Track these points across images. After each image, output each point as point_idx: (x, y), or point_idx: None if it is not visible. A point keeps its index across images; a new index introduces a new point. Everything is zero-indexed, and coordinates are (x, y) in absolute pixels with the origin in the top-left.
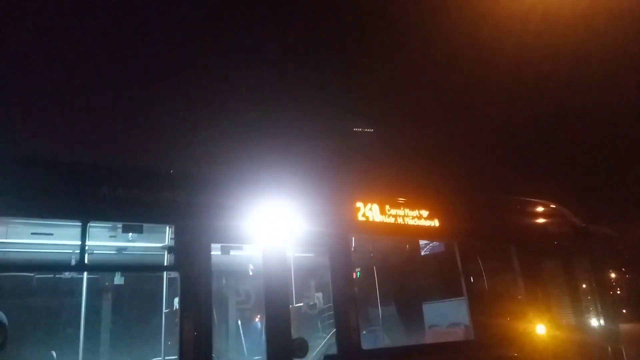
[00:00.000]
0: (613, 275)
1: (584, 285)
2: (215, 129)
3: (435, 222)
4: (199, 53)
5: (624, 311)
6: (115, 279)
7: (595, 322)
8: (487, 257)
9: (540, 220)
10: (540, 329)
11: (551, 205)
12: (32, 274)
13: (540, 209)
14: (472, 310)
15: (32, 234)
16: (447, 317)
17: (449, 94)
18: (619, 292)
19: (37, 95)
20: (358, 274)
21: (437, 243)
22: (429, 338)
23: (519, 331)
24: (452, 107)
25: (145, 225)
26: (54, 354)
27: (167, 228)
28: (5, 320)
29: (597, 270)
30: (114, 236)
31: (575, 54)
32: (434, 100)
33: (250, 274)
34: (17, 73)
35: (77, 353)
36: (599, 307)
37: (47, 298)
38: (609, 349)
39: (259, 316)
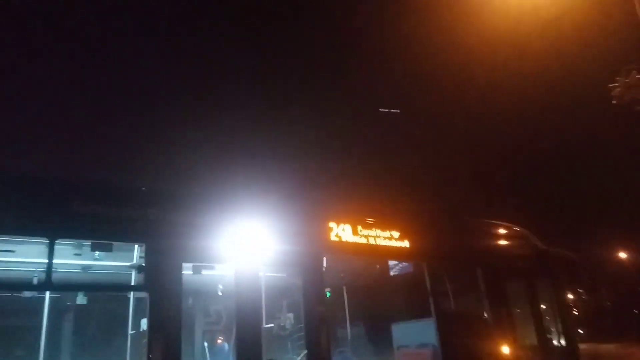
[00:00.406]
0: (572, 296)
1: (546, 306)
2: (190, 148)
3: (405, 243)
4: (176, 73)
5: (581, 331)
6: (78, 298)
7: (555, 341)
8: (455, 278)
9: (505, 243)
10: (504, 349)
11: (515, 229)
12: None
13: (505, 231)
14: (440, 331)
15: None
16: (415, 338)
17: (421, 118)
18: (576, 313)
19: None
20: (328, 294)
21: (406, 264)
22: (397, 359)
23: (485, 351)
24: (425, 132)
25: (114, 243)
26: None
27: (136, 247)
28: None
29: (557, 291)
30: (79, 254)
31: (543, 80)
32: (405, 124)
33: (220, 294)
34: None
35: None
36: (560, 327)
37: (7, 318)
38: None
39: (225, 337)
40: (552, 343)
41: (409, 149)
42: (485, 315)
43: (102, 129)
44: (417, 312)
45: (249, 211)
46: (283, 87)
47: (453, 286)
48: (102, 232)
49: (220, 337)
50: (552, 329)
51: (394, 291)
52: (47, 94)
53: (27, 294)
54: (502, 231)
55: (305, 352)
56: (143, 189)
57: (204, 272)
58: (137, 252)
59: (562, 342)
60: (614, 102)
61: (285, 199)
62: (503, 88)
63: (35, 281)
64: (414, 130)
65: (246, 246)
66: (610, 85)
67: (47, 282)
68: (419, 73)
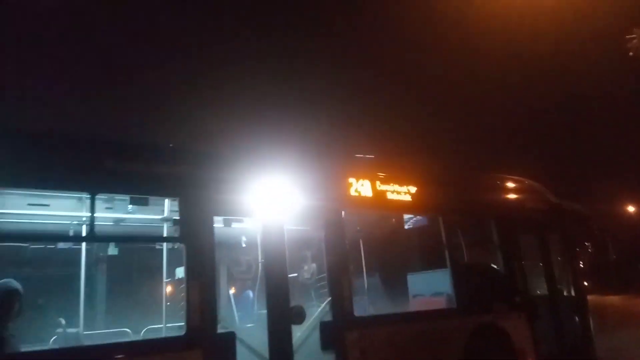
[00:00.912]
0: (581, 249)
1: (556, 258)
2: (219, 106)
3: (421, 198)
4: (203, 28)
5: (587, 284)
6: (110, 249)
7: (565, 292)
8: (469, 230)
9: (519, 197)
10: (516, 298)
11: (528, 183)
12: (35, 245)
13: (518, 186)
14: (455, 280)
15: (29, 204)
16: (430, 287)
17: (438, 77)
18: (584, 266)
19: (44, 68)
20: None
21: (421, 217)
22: (413, 306)
23: (498, 300)
24: (441, 89)
25: (149, 197)
26: (63, 321)
27: (166, 201)
28: (20, 288)
29: (568, 244)
30: (111, 208)
31: (557, 34)
32: (423, 81)
33: (244, 245)
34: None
35: (78, 320)
36: (569, 279)
37: (49, 268)
38: (577, 317)
39: (249, 286)
40: (562, 294)
41: (426, 107)
42: (498, 266)
43: (136, 91)
44: (432, 263)
45: (274, 168)
46: (305, 44)
47: (467, 239)
48: (139, 187)
49: (247, 285)
50: (562, 281)
51: (409, 243)
52: (87, 48)
53: (63, 245)
54: (515, 185)
55: (329, 299)
56: (171, 145)
57: (233, 225)
58: (167, 206)
59: (572, 293)
60: (630, 53)
61: (308, 156)
62: (516, 43)
63: (81, 233)
64: (431, 88)
65: (272, 201)
66: (628, 36)
67: (90, 234)
68: (434, 30)
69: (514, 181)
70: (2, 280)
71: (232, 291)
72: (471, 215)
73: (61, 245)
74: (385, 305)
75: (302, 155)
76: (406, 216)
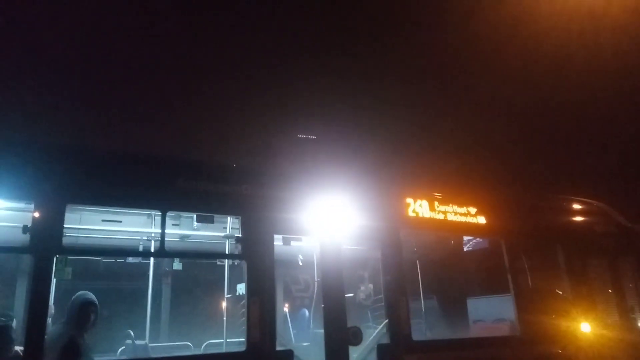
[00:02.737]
0: None
1: (629, 285)
2: (279, 125)
3: (482, 220)
4: (262, 48)
5: None
6: (174, 264)
7: (639, 321)
8: (533, 254)
9: (586, 220)
10: (585, 327)
11: (597, 205)
12: (108, 259)
13: (586, 208)
14: (519, 307)
15: (103, 220)
16: (492, 313)
17: (502, 92)
18: None
19: (118, 92)
20: None
21: (481, 239)
22: (473, 332)
23: (564, 329)
24: (504, 105)
25: (214, 215)
26: (131, 333)
27: (229, 218)
28: (96, 300)
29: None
30: (178, 224)
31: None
32: (486, 97)
33: (300, 264)
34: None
35: (145, 332)
36: None
37: (119, 281)
38: None
39: (306, 304)
40: (636, 322)
41: (487, 126)
42: (565, 293)
43: (201, 110)
44: (493, 288)
45: (333, 188)
46: (362, 62)
47: (531, 263)
48: (205, 205)
49: (304, 304)
50: (636, 309)
51: (469, 267)
52: (151, 71)
53: (132, 259)
54: (582, 207)
55: (386, 321)
56: (234, 165)
57: (292, 243)
58: (229, 224)
59: None
60: None
61: (365, 176)
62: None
63: (141, 248)
64: (491, 106)
65: (329, 220)
66: None
67: (160, 249)
68: (490, 39)
69: (581, 203)
70: (80, 292)
71: (287, 309)
72: (536, 239)
73: (130, 259)
74: (443, 330)
75: (360, 175)
76: (466, 238)
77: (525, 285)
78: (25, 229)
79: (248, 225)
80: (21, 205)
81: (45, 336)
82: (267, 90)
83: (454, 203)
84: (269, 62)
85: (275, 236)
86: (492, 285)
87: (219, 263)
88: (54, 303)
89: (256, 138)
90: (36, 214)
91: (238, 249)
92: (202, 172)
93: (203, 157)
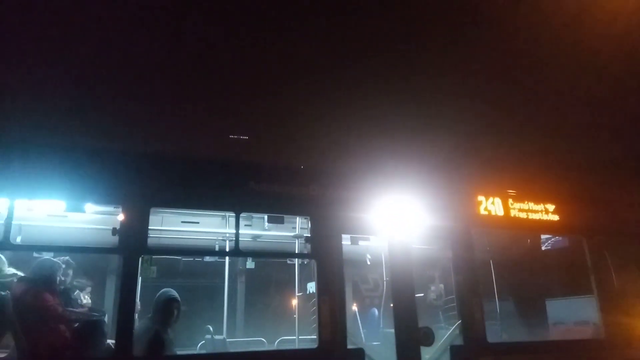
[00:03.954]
0: None
1: None
2: (346, 128)
3: (562, 217)
4: (331, 49)
5: None
6: (247, 263)
7: None
8: (618, 253)
9: None
10: None
11: None
12: (187, 258)
13: None
14: (602, 308)
15: (183, 222)
16: (573, 315)
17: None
18: None
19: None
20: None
21: (560, 238)
22: (553, 335)
23: None
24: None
25: (284, 216)
26: (210, 328)
27: (297, 219)
28: (178, 297)
29: None
30: (250, 225)
31: None
32: (561, 86)
33: (368, 263)
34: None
35: (222, 327)
36: None
37: (197, 279)
38: None
39: (375, 303)
40: None
41: (563, 119)
42: None
43: (263, 110)
44: (574, 288)
45: (401, 187)
46: (428, 58)
47: (616, 262)
48: (276, 206)
49: (374, 303)
50: None
51: (547, 266)
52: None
53: (208, 259)
54: None
55: (458, 322)
56: (304, 167)
57: (360, 242)
58: (298, 224)
59: None
60: None
61: (434, 175)
62: None
63: (217, 248)
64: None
65: (398, 219)
66: None
67: (235, 249)
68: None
69: None
70: (164, 289)
71: (356, 308)
72: (621, 236)
73: (207, 258)
74: (520, 332)
75: (430, 173)
76: (544, 236)
77: (609, 286)
78: (114, 231)
79: (317, 225)
80: (110, 209)
81: (133, 330)
82: (337, 90)
83: (529, 200)
84: (338, 61)
85: (344, 236)
86: (573, 285)
87: (289, 262)
88: (140, 300)
89: (325, 138)
90: (124, 217)
91: (307, 249)
92: (272, 175)
93: (272, 159)
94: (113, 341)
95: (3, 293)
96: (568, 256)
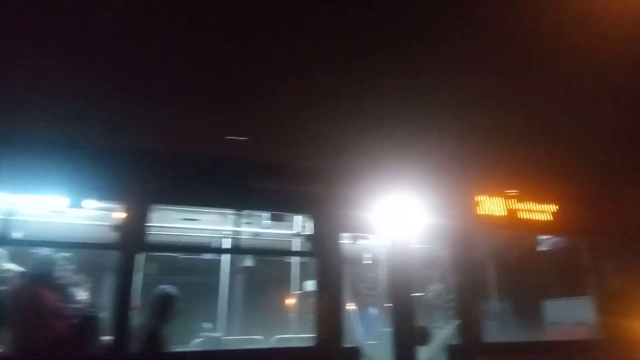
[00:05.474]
0: None
1: None
2: (347, 128)
3: (560, 217)
4: (331, 51)
5: None
6: (245, 261)
7: None
8: (616, 254)
9: None
10: None
11: None
12: (186, 255)
13: None
14: (600, 309)
15: (183, 219)
16: (571, 315)
17: (577, 83)
18: None
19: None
20: None
21: (558, 238)
22: (550, 335)
23: None
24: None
25: (284, 214)
26: (206, 325)
27: (295, 217)
28: (176, 294)
29: None
30: (250, 223)
31: None
32: (561, 86)
33: (370, 262)
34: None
35: (219, 325)
36: None
37: (196, 276)
38: None
39: (373, 302)
40: None
41: (564, 120)
42: None
43: (264, 109)
44: (572, 289)
45: (401, 185)
46: (427, 59)
47: (614, 263)
48: (276, 204)
49: (371, 302)
50: None
51: (545, 267)
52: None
53: (208, 256)
54: None
55: (456, 322)
56: (305, 165)
57: (359, 241)
58: (298, 222)
59: None
60: None
61: (434, 174)
62: None
63: (217, 245)
64: (569, 100)
65: (398, 218)
66: None
67: (234, 246)
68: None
69: None
70: (162, 286)
71: (355, 306)
72: (619, 237)
73: (206, 255)
74: (518, 332)
75: (430, 172)
76: (542, 237)
77: (607, 287)
78: (113, 227)
79: (317, 224)
80: (110, 205)
81: (130, 327)
82: (339, 90)
83: (528, 200)
84: (341, 59)
85: (344, 234)
86: (571, 286)
87: (286, 260)
88: (139, 296)
89: (326, 138)
90: (123, 214)
91: (308, 247)
92: (273, 172)
93: (275, 158)
94: (110, 338)
95: (0, 288)
96: (566, 257)
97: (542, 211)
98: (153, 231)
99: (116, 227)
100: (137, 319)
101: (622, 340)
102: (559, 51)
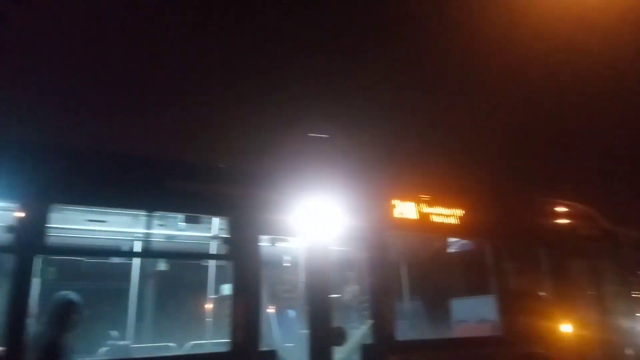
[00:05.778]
0: (638, 279)
1: (611, 288)
2: (263, 126)
3: (468, 221)
4: (248, 47)
5: None
6: (158, 265)
7: (620, 323)
8: (516, 256)
9: (570, 222)
10: (566, 328)
11: (581, 208)
12: (91, 259)
13: (570, 211)
14: (501, 308)
15: (89, 220)
16: (475, 313)
17: (486, 88)
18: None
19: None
20: None
21: (466, 241)
22: (456, 333)
23: (546, 329)
24: (486, 102)
25: (200, 216)
26: (113, 333)
27: (213, 219)
28: (78, 301)
29: (623, 273)
30: (164, 225)
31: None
32: (468, 98)
33: (288, 265)
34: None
35: (128, 333)
36: (624, 309)
37: (103, 281)
38: (633, 350)
39: (291, 305)
40: (617, 325)
41: (471, 125)
42: (547, 294)
43: (180, 110)
44: (477, 289)
45: (319, 189)
46: (355, 63)
47: (514, 265)
48: (191, 206)
49: (289, 304)
50: (617, 311)
51: (453, 268)
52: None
53: (116, 260)
54: (566, 210)
55: (370, 322)
56: (222, 166)
57: (278, 244)
58: (215, 225)
59: (628, 324)
60: None
61: (351, 178)
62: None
63: (127, 248)
64: (476, 104)
65: (316, 221)
66: None
67: (145, 250)
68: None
69: (566, 206)
70: (62, 293)
71: (272, 309)
72: (519, 241)
73: (115, 259)
74: (427, 330)
75: (347, 176)
76: (452, 239)
77: (508, 286)
78: (8, 228)
79: (235, 226)
80: (5, 204)
81: (26, 336)
82: (253, 91)
83: (439, 205)
84: (254, 60)
85: (262, 237)
86: (476, 286)
87: (203, 264)
88: (37, 303)
89: (244, 139)
90: (20, 214)
91: (225, 250)
92: (188, 173)
93: (190, 158)
94: (2, 349)
95: None
96: (473, 258)
97: (451, 215)
98: (53, 232)
99: (11, 228)
100: (34, 327)
101: (521, 336)
102: (470, 58)
